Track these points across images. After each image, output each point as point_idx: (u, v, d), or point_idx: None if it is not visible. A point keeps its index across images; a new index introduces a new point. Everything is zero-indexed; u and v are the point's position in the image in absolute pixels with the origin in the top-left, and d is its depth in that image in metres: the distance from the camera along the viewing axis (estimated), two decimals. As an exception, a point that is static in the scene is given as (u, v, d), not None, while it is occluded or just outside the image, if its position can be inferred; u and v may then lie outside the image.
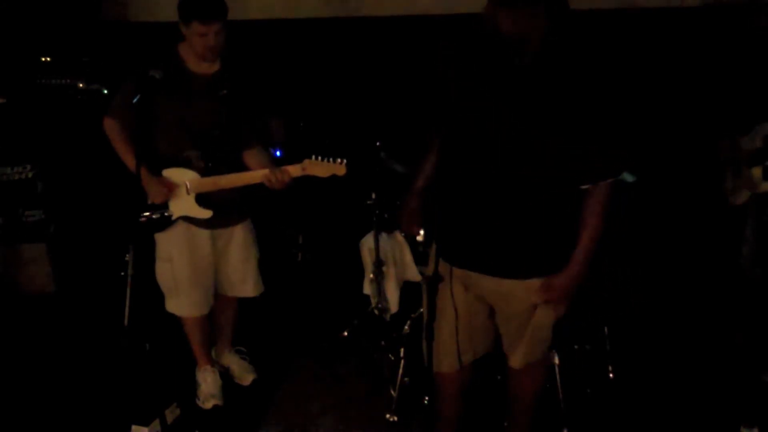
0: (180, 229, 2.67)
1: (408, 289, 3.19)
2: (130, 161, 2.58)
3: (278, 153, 3.91)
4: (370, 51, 4.14)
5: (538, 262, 1.99)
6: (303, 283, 4.10)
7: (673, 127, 3.69)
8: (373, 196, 3.12)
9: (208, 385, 2.92)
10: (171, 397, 2.77)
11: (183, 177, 2.59)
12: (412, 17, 4.06)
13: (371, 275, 3.17)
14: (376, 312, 3.23)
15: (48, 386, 3.06)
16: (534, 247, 1.97)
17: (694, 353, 3.17)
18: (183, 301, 2.77)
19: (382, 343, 3.20)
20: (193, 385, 2.96)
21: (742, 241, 3.02)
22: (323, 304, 3.80)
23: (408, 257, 3.14)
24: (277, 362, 3.23)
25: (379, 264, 3.12)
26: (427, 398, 2.72)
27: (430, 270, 2.16)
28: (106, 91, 4.02)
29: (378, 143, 3.16)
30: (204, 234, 2.71)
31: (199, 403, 2.90)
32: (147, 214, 2.61)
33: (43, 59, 4.07)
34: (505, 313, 2.15)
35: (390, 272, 3.15)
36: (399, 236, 3.15)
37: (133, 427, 2.51)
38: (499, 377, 2.64)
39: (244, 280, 2.89)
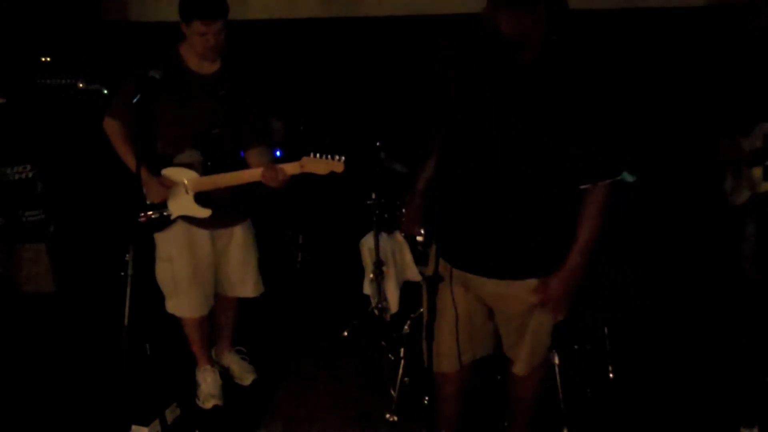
0: (180, 229, 2.67)
1: (408, 289, 3.19)
2: (130, 161, 2.58)
3: (278, 153, 3.92)
4: (370, 51, 4.14)
5: (536, 263, 1.99)
6: (303, 283, 4.10)
7: (674, 127, 3.69)
8: (373, 196, 3.11)
9: (208, 385, 2.92)
10: (171, 397, 2.77)
11: (182, 176, 2.59)
12: (412, 17, 4.07)
13: (371, 275, 3.17)
14: (376, 312, 3.23)
15: (48, 386, 3.06)
16: (533, 248, 1.97)
17: (695, 353, 3.17)
18: (183, 302, 2.77)
19: (382, 343, 3.20)
20: (193, 385, 2.96)
21: (742, 241, 3.02)
22: (323, 304, 3.80)
23: (408, 257, 3.14)
24: (277, 362, 3.23)
25: (379, 264, 3.12)
26: (427, 398, 2.72)
27: (430, 270, 2.16)
28: (106, 91, 4.02)
29: (378, 143, 3.15)
30: (204, 234, 2.71)
31: (199, 403, 2.90)
32: (146, 213, 2.62)
33: (43, 59, 4.07)
34: (505, 314, 2.15)
35: (390, 272, 3.14)
36: (399, 236, 3.15)
37: (133, 427, 2.51)
38: (499, 377, 2.63)
39: (244, 281, 2.89)
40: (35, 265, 3.93)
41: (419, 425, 2.72)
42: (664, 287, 3.71)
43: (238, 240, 2.80)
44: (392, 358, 3.05)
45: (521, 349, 2.17)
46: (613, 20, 3.71)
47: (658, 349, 3.22)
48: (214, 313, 2.96)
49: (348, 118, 4.24)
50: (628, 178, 2.64)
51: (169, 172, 2.59)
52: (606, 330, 2.99)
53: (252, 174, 2.54)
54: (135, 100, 2.35)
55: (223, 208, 2.66)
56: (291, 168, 2.50)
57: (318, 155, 2.45)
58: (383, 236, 3.13)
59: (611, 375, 2.94)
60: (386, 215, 3.15)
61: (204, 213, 2.62)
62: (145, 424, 2.51)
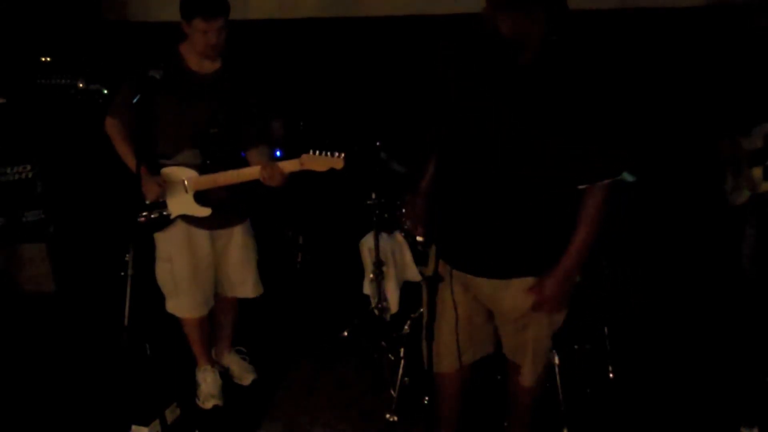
0: (179, 229, 2.67)
1: (408, 289, 3.19)
2: (130, 161, 2.58)
3: (278, 153, 3.92)
4: (370, 51, 4.14)
5: (534, 262, 1.98)
6: (303, 283, 4.10)
7: (674, 127, 3.69)
8: (373, 196, 3.11)
9: (208, 385, 2.92)
10: (171, 397, 2.77)
11: (181, 175, 2.59)
12: (411, 17, 4.06)
13: (371, 275, 3.17)
14: (376, 312, 3.23)
15: (48, 386, 3.06)
16: (531, 247, 1.97)
17: (695, 353, 3.17)
18: (183, 302, 2.77)
19: (382, 343, 3.20)
20: (193, 385, 2.96)
21: (742, 241, 3.02)
22: (323, 304, 3.80)
23: (408, 257, 3.14)
24: (277, 362, 3.23)
25: (379, 264, 3.12)
26: (427, 398, 2.72)
27: (430, 270, 2.16)
28: (106, 91, 4.02)
29: (378, 143, 3.15)
30: (203, 234, 2.71)
31: (199, 403, 2.90)
32: (146, 213, 2.62)
33: (43, 59, 4.07)
34: (504, 316, 2.15)
35: (390, 272, 3.15)
36: (399, 236, 3.15)
37: (133, 427, 2.51)
38: (499, 377, 2.64)
39: (243, 281, 2.89)
40: (35, 265, 3.93)
41: (419, 425, 2.72)
42: (664, 287, 3.71)
43: (238, 240, 2.80)
44: (392, 358, 3.05)
45: (524, 360, 2.17)
46: (613, 20, 3.70)
47: (658, 349, 3.22)
48: (214, 314, 2.96)
49: (348, 118, 4.24)
50: (628, 178, 2.65)
51: (168, 171, 2.59)
52: (606, 330, 2.99)
53: (251, 172, 2.54)
54: (135, 100, 2.35)
55: (222, 208, 2.67)
56: (290, 165, 2.50)
57: (317, 152, 2.45)
58: (383, 236, 3.13)
59: (611, 375, 2.94)
60: (386, 215, 3.15)
61: (204, 212, 2.63)
62: (145, 424, 2.51)
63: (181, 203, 2.63)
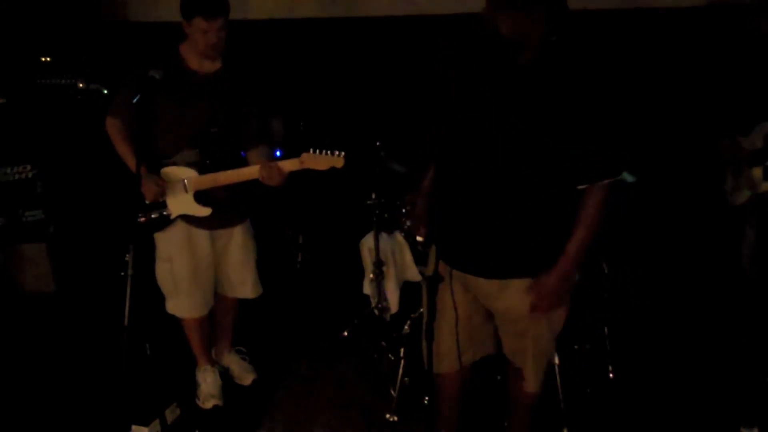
0: (179, 229, 2.67)
1: (408, 289, 3.19)
2: (130, 161, 2.58)
3: (278, 153, 3.92)
4: (370, 51, 4.14)
5: (534, 263, 1.98)
6: (303, 283, 4.10)
7: (674, 127, 3.69)
8: (373, 196, 3.12)
9: (208, 385, 2.92)
10: (171, 397, 2.77)
11: (181, 175, 2.59)
12: (411, 17, 4.06)
13: (371, 275, 3.17)
14: (376, 312, 3.23)
15: (48, 386, 3.06)
16: (531, 247, 1.96)
17: (695, 353, 3.17)
18: (183, 302, 2.77)
19: (382, 343, 3.20)
20: (193, 385, 2.96)
21: (742, 241, 3.02)
22: (323, 304, 3.80)
23: (408, 257, 3.14)
24: (277, 362, 3.23)
25: (379, 264, 3.12)
26: (427, 398, 2.72)
27: (430, 270, 2.16)
28: (106, 91, 4.02)
29: (378, 143, 3.16)
30: (203, 234, 2.71)
31: (199, 403, 2.90)
32: (147, 213, 2.62)
33: (43, 59, 4.07)
34: (503, 316, 2.14)
35: (390, 272, 3.15)
36: (399, 236, 3.15)
37: (133, 427, 2.52)
38: (499, 377, 2.64)
39: (243, 282, 2.89)
40: (35, 265, 3.93)
41: (419, 425, 2.72)
42: (664, 287, 3.71)
43: (238, 240, 2.80)
44: (392, 358, 3.05)
45: (525, 364, 2.17)
46: (613, 20, 3.71)
47: (658, 349, 3.22)
48: (215, 314, 2.96)
49: (348, 118, 4.24)
50: (628, 178, 2.64)
51: (168, 170, 2.59)
52: (606, 330, 2.99)
53: (251, 171, 2.54)
54: (135, 100, 2.35)
55: (222, 208, 2.67)
56: (290, 165, 2.50)
57: (317, 151, 2.45)
58: (383, 236, 3.13)
59: (611, 375, 2.94)
60: (386, 215, 3.15)
61: (204, 212, 2.63)
62: (145, 424, 2.51)
63: (181, 203, 2.63)
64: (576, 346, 2.88)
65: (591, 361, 2.95)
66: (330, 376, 3.14)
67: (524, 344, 2.13)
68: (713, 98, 3.12)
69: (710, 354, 3.14)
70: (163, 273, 2.74)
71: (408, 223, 3.07)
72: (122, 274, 2.25)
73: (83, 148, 3.92)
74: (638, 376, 2.99)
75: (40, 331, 3.58)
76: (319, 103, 4.28)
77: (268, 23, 4.24)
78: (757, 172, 2.82)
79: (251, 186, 2.60)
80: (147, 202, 2.60)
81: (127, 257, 2.24)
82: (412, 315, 2.96)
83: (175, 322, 2.86)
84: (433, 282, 1.92)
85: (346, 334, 3.44)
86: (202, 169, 2.58)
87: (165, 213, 2.64)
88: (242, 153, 2.72)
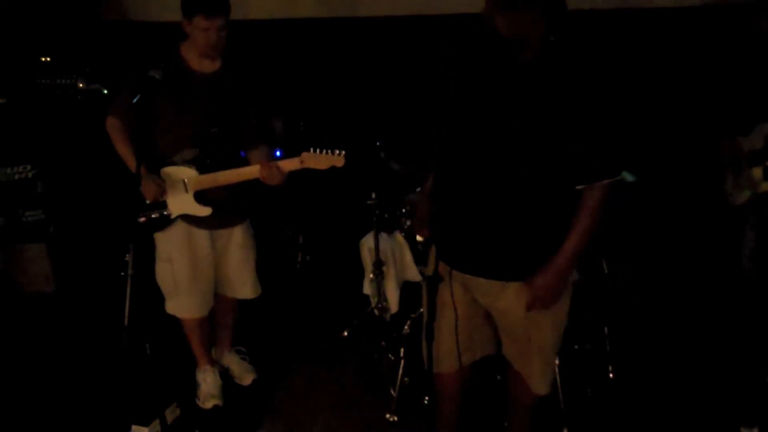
0: (179, 229, 2.67)
1: (408, 289, 3.19)
2: (130, 161, 2.58)
3: (278, 153, 3.92)
4: (370, 51, 4.14)
5: (533, 263, 1.98)
6: (303, 283, 4.10)
7: (674, 127, 3.69)
8: (373, 196, 3.12)
9: (208, 385, 2.92)
10: (171, 397, 2.77)
11: (181, 175, 2.59)
12: (411, 17, 4.06)
13: (371, 275, 3.17)
14: (376, 312, 3.23)
15: (48, 386, 3.06)
16: (531, 248, 1.96)
17: (695, 353, 3.17)
18: (183, 302, 2.77)
19: (382, 343, 3.20)
20: (193, 385, 2.96)
21: (742, 241, 3.02)
22: (323, 305, 3.80)
23: (408, 257, 3.14)
24: (277, 362, 3.23)
25: (379, 264, 3.12)
26: (427, 398, 2.72)
27: (430, 270, 2.16)
28: (106, 91, 4.02)
29: (378, 143, 3.16)
30: (203, 234, 2.71)
31: (199, 403, 2.91)
32: (147, 213, 2.62)
33: (43, 59, 4.07)
34: (502, 317, 2.14)
35: (390, 272, 3.15)
36: (399, 236, 3.15)
37: (133, 427, 2.52)
38: (499, 377, 2.64)
39: (243, 282, 2.89)
40: (35, 265, 3.93)
41: (419, 425, 2.72)
42: (664, 287, 3.71)
43: (238, 240, 2.80)
44: (392, 358, 3.05)
45: (529, 367, 2.16)
46: (613, 20, 3.71)
47: (658, 349, 3.22)
48: (214, 314, 2.96)
49: (348, 118, 4.24)
50: (628, 177, 2.64)
51: (168, 170, 2.59)
52: (606, 330, 2.99)
53: (251, 171, 2.55)
54: (135, 100, 2.35)
55: (222, 208, 2.67)
56: (291, 164, 2.50)
57: (317, 150, 2.45)
58: (383, 236, 3.13)
59: (611, 375, 2.94)
60: (386, 215, 3.15)
61: (204, 211, 2.63)
62: (145, 424, 2.51)
63: (181, 203, 2.63)
64: (576, 346, 2.88)
65: (591, 361, 2.95)
66: (330, 376, 3.14)
67: (526, 346, 2.13)
68: (713, 98, 3.12)
69: (710, 354, 3.14)
70: (163, 273, 2.74)
71: (408, 223, 3.07)
72: (122, 274, 2.24)
73: (83, 148, 3.92)
74: (638, 376, 2.99)
75: (40, 331, 3.58)
76: (319, 103, 4.28)
77: (268, 23, 4.24)
78: (757, 172, 2.81)
79: (251, 186, 2.61)
80: (147, 202, 2.60)
81: (127, 257, 2.24)
82: (412, 315, 2.96)
83: (175, 322, 2.85)
84: (433, 282, 1.92)
85: (346, 334, 3.44)
86: (202, 169, 2.58)
87: (165, 213, 2.64)
88: (242, 153, 2.72)
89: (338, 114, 4.28)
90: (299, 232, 4.27)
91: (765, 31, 2.83)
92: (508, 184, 1.89)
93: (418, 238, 3.07)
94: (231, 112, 2.60)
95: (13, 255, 3.92)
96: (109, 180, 3.25)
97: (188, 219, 2.66)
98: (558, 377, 2.61)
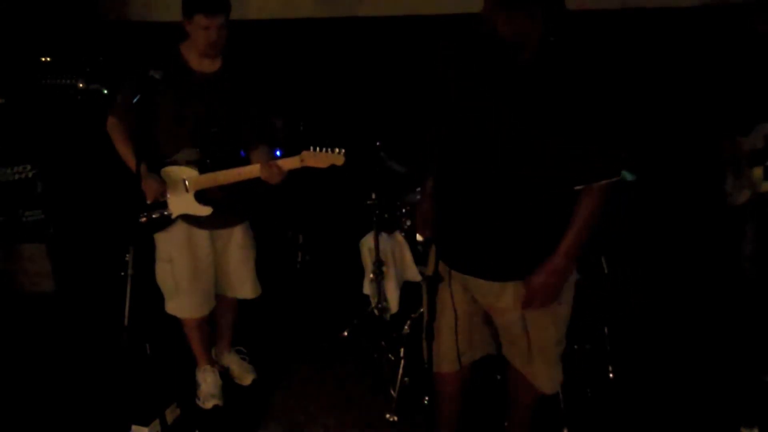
0: (179, 229, 2.67)
1: (408, 289, 3.19)
2: (130, 161, 2.58)
3: (278, 153, 3.92)
4: (370, 51, 4.14)
5: (532, 264, 1.97)
6: (303, 283, 4.10)
7: (674, 127, 3.70)
8: (373, 196, 3.12)
9: (208, 385, 2.92)
10: (171, 397, 2.77)
11: (182, 174, 2.59)
12: (411, 17, 4.07)
13: (371, 275, 3.17)
14: (376, 312, 3.23)
15: (48, 386, 3.06)
16: (530, 248, 1.96)
17: (695, 353, 3.17)
18: (183, 303, 2.77)
19: (382, 343, 3.20)
20: (193, 385, 2.96)
21: (742, 241, 3.02)
22: (323, 305, 3.80)
23: (408, 257, 3.14)
24: (277, 362, 3.23)
25: (379, 264, 3.12)
26: (427, 398, 2.72)
27: (430, 270, 2.16)
28: (106, 91, 4.03)
29: (378, 143, 3.16)
30: (203, 234, 2.71)
31: (199, 403, 2.90)
32: (148, 213, 2.62)
33: (43, 59, 4.07)
34: (502, 318, 2.14)
35: (390, 272, 3.15)
36: (399, 236, 3.15)
37: (133, 427, 2.52)
38: (499, 377, 2.64)
39: (243, 282, 2.89)
40: (35, 265, 3.93)
41: (419, 425, 2.72)
42: (664, 287, 3.71)
43: (238, 240, 2.80)
44: (392, 358, 3.05)
45: (532, 367, 2.16)
46: (613, 20, 3.71)
47: (658, 349, 3.22)
48: (214, 314, 2.95)
49: (348, 118, 4.24)
50: (628, 176, 2.64)
51: (168, 170, 2.59)
52: (606, 330, 2.99)
53: (251, 170, 2.55)
54: (135, 100, 2.35)
55: (222, 208, 2.67)
56: (291, 163, 2.50)
57: (318, 149, 2.45)
58: (383, 236, 3.13)
59: (611, 375, 2.94)
60: (386, 215, 3.15)
61: (205, 211, 2.63)
62: (145, 424, 2.51)
63: (181, 203, 2.63)
64: (576, 346, 2.88)
65: (591, 361, 2.95)
66: (330, 376, 3.14)
67: (526, 346, 2.13)
68: (713, 98, 3.13)
69: (710, 354, 3.14)
70: (163, 273, 2.74)
71: (408, 223, 3.07)
72: (122, 274, 2.25)
73: (83, 148, 3.92)
74: (638, 376, 2.99)
75: (39, 331, 3.58)
76: (319, 103, 4.28)
77: (268, 23, 4.24)
78: (758, 172, 2.82)
79: (251, 186, 2.61)
80: (148, 201, 2.60)
81: (127, 257, 2.24)
82: (412, 315, 2.96)
83: (175, 322, 2.85)
84: (433, 282, 1.92)
85: (346, 334, 3.44)
86: (202, 169, 2.58)
87: (166, 213, 2.64)
88: (242, 152, 2.72)
89: (338, 114, 4.28)
90: (299, 232, 4.27)
91: (762, 31, 2.83)
92: (508, 184, 1.89)
93: (418, 238, 3.07)
94: (231, 111, 2.60)
95: (13, 255, 3.92)
96: (110, 180, 3.25)
97: (188, 219, 2.66)
98: (558, 377, 2.61)
